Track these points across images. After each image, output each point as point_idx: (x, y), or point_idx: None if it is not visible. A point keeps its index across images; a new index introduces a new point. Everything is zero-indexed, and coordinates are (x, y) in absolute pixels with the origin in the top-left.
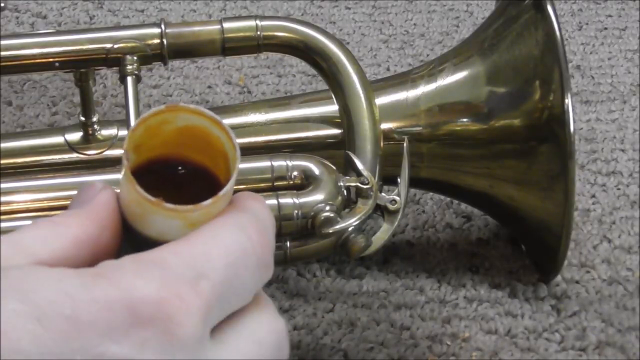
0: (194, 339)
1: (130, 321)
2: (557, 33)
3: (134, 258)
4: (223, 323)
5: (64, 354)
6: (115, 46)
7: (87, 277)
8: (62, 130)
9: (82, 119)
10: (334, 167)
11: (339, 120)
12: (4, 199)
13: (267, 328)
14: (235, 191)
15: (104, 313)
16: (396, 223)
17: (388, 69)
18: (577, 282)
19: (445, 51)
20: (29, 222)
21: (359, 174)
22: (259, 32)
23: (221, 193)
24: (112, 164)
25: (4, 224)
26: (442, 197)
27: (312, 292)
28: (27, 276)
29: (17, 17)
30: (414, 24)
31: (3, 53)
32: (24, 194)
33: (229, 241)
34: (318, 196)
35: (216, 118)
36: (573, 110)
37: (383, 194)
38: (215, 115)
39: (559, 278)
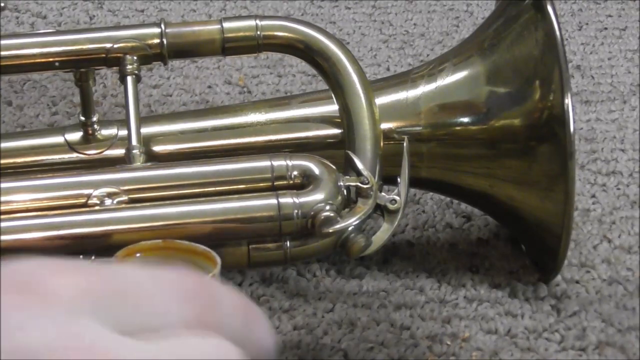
0: (69, 299)
1: (5, 288)
2: (557, 33)
3: None
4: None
5: None
6: (115, 46)
7: None
8: (62, 130)
9: (82, 118)
10: (334, 167)
11: (339, 120)
12: (4, 199)
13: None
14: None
15: None
16: (396, 223)
17: (388, 69)
18: (577, 282)
19: (445, 51)
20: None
21: (359, 173)
22: (258, 32)
23: None
24: (112, 163)
25: (4, 224)
26: (442, 197)
27: (312, 292)
28: None
29: (17, 17)
30: (414, 24)
31: (3, 53)
32: (24, 194)
33: None
34: (318, 196)
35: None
36: (573, 110)
37: (383, 193)
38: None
39: (559, 278)
